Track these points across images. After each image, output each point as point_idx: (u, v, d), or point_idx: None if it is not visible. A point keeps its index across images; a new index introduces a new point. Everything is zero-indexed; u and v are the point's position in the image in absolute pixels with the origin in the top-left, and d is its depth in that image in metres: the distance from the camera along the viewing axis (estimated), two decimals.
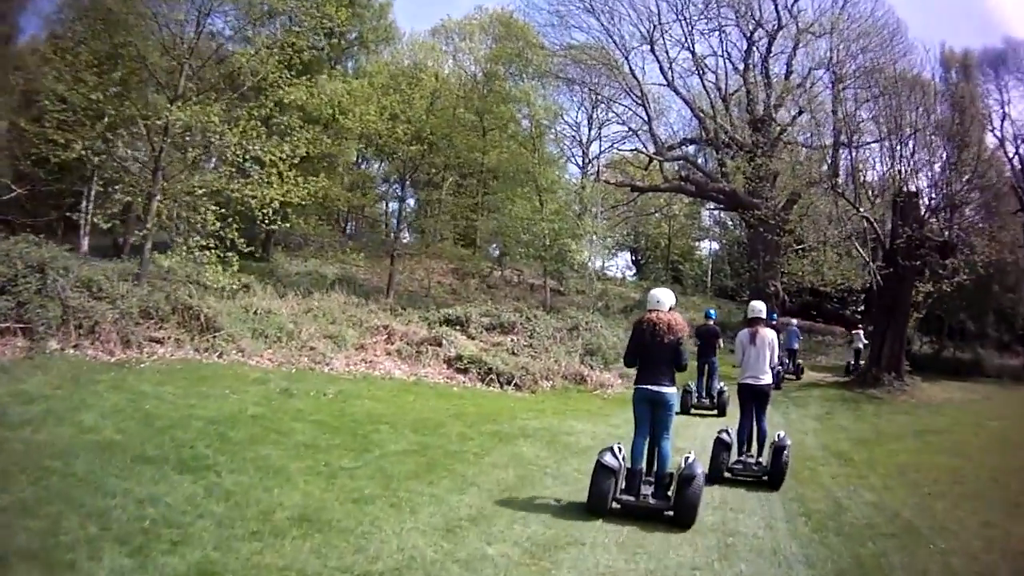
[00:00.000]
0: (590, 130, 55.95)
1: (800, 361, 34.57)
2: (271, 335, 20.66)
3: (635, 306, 42.18)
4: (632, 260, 67.66)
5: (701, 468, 10.51)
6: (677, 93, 45.30)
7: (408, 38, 46.43)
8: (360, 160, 50.24)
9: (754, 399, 13.80)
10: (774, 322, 28.18)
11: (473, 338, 25.63)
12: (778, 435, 13.50)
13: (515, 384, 22.73)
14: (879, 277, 30.17)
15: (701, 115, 45.62)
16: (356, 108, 33.92)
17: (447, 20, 51.14)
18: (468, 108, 42.83)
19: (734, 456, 13.57)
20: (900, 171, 30.79)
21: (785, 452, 13.03)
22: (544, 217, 38.14)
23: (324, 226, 43.39)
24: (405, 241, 49.62)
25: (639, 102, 44.52)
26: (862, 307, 44.05)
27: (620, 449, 10.69)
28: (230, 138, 23.23)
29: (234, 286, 23.03)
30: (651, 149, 46.29)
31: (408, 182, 44.73)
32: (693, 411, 21.72)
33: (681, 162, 47.40)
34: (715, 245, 68.86)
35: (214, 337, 19.19)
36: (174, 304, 19.66)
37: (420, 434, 14.18)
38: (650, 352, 10.75)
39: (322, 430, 13.34)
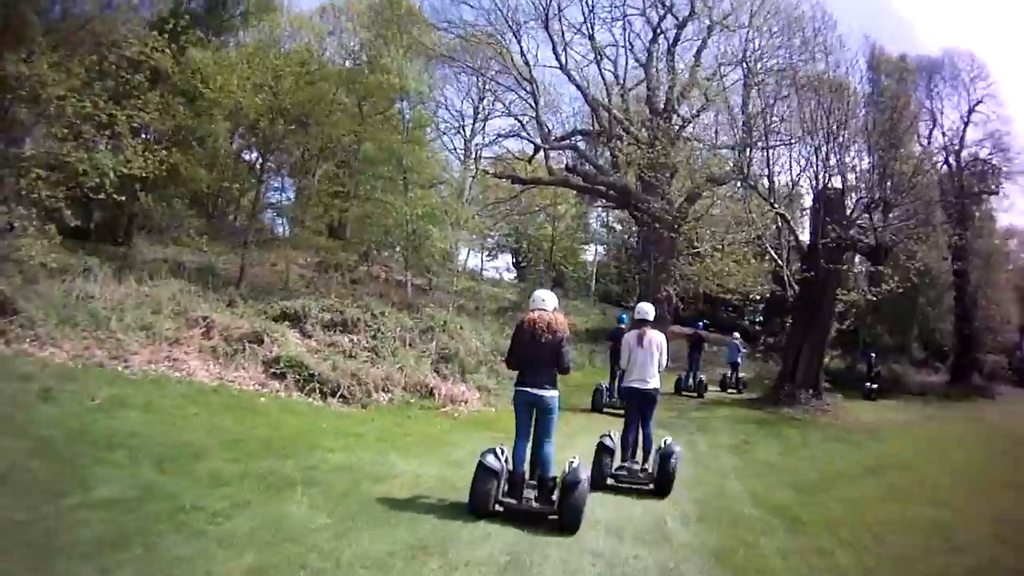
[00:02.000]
0: (475, 122, 51.54)
1: (743, 374, 32.50)
2: (81, 323, 17.27)
3: (511, 308, 39.52)
4: (513, 262, 63.96)
5: (586, 473, 10.37)
6: (570, 78, 40.70)
7: (288, 12, 40.60)
8: (233, 143, 44.33)
9: (640, 403, 13.28)
10: (699, 331, 31.65)
11: (309, 336, 21.27)
12: (664, 440, 13.04)
13: (341, 396, 18.22)
14: (794, 283, 27.22)
15: (595, 104, 41.19)
16: (219, 77, 29.59)
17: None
18: (349, 92, 37.65)
19: (617, 462, 13.11)
20: (825, 167, 27.54)
21: (673, 458, 12.60)
22: (407, 201, 33.30)
23: (187, 210, 38.63)
24: (276, 232, 47.31)
25: (527, 86, 40.21)
26: (760, 317, 44.13)
27: (503, 451, 10.39)
28: (56, 91, 20.39)
29: (52, 263, 19.59)
30: (537, 139, 41.80)
31: (275, 166, 42.22)
32: (605, 410, 21.78)
33: (569, 154, 42.79)
34: (601, 249, 65.47)
35: (9, 321, 16.18)
36: None
37: (162, 469, 10.32)
38: (531, 353, 10.39)
39: (35, 455, 9.95)
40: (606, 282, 60.37)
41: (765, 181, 29.40)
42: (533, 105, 39.88)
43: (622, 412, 17.80)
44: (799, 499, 13.69)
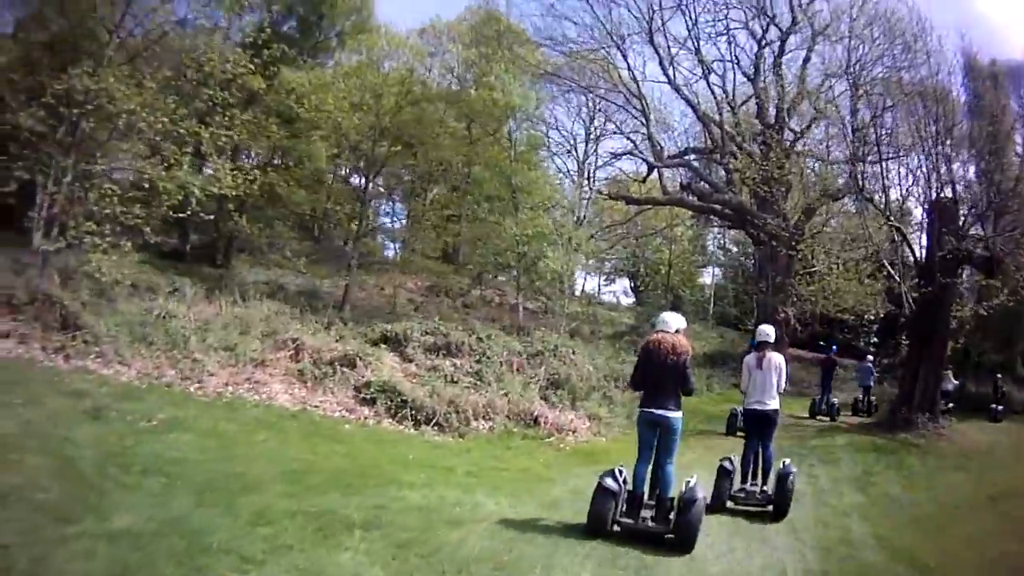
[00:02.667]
0: (587, 143, 50.98)
1: (874, 398, 30.12)
2: (157, 342, 16.81)
3: (627, 332, 38.18)
4: (631, 286, 62.85)
5: (703, 492, 10.31)
6: (679, 93, 39.25)
7: (386, 33, 39.71)
8: (339, 167, 44.48)
9: (759, 425, 13.25)
10: (832, 355, 30.48)
11: (410, 360, 20.27)
12: (784, 462, 12.85)
13: (436, 423, 17.07)
14: (911, 300, 25.37)
15: (706, 120, 39.58)
16: (313, 96, 29.07)
17: (436, 20, 46.17)
18: (455, 114, 37.89)
19: (737, 484, 13.02)
20: (936, 177, 25.81)
21: (790, 479, 12.51)
22: (517, 222, 32.31)
23: (289, 233, 38.55)
24: (388, 255, 47.22)
25: (636, 103, 38.98)
26: (875, 338, 41.30)
27: (621, 472, 10.37)
28: (126, 106, 19.48)
29: (127, 280, 19.27)
30: (650, 158, 40.18)
31: (385, 189, 42.68)
32: (739, 434, 20.45)
33: (683, 173, 42.35)
34: (718, 272, 64.05)
35: (72, 336, 15.84)
36: (34, 293, 16.81)
37: (200, 501, 9.10)
38: (655, 374, 10.42)
39: (55, 475, 9.02)
40: (723, 305, 59.74)
41: (879, 195, 27.80)
42: (644, 122, 38.73)
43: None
44: (921, 537, 12.56)
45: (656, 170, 39.26)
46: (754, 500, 12.75)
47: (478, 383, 19.44)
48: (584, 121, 49.07)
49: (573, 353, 23.84)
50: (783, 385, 13.22)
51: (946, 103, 26.08)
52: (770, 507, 12.53)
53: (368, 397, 17.22)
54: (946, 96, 26.49)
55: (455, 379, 19.23)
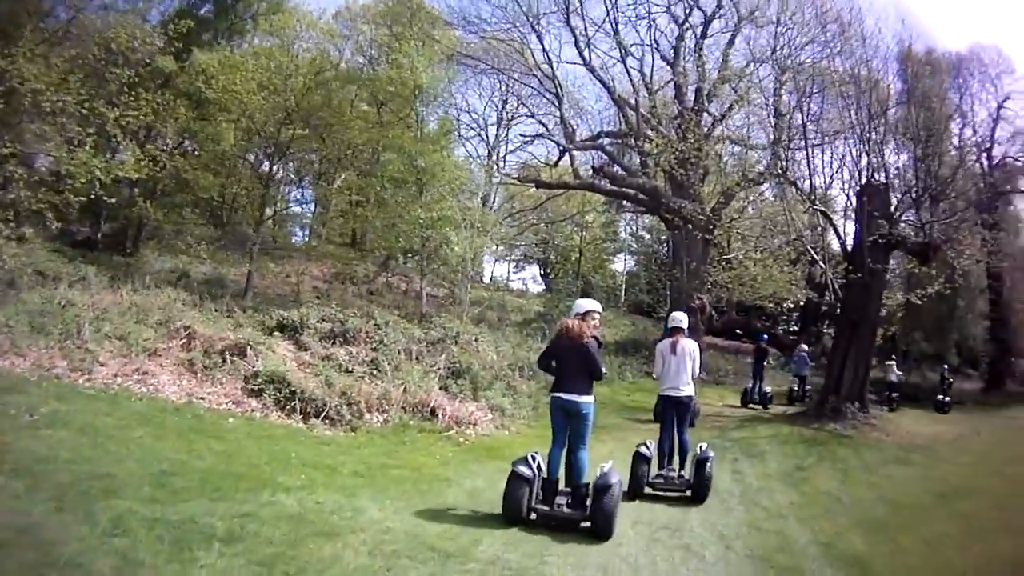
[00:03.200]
0: (499, 128, 52.21)
1: (809, 387, 29.99)
2: (54, 331, 15.83)
3: (535, 319, 36.57)
4: (541, 274, 60.84)
5: (618, 477, 10.31)
6: (594, 74, 37.70)
7: (298, 13, 38.08)
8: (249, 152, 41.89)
9: (675, 410, 13.47)
10: (762, 343, 30.26)
11: (305, 348, 18.73)
12: (700, 446, 13.24)
13: (327, 416, 15.70)
14: (836, 287, 25.78)
15: (621, 102, 38.08)
16: (222, 77, 28.28)
17: (351, 2, 45.30)
18: (366, 97, 37.38)
19: (654, 470, 13.17)
20: (867, 162, 25.45)
21: (708, 464, 12.76)
22: (421, 204, 30.61)
23: (197, 220, 37.25)
24: (297, 242, 46.19)
25: (550, 85, 37.55)
26: (794, 325, 42.46)
27: (535, 457, 10.51)
28: (33, 86, 19.68)
29: (26, 268, 19.10)
30: (562, 141, 38.39)
31: (295, 175, 42.43)
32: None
33: (596, 156, 40.13)
34: (631, 260, 63.33)
35: None
36: None
37: (60, 506, 8.06)
38: (566, 358, 10.63)
39: None
40: (636, 292, 58.35)
41: (803, 180, 27.58)
42: (557, 105, 37.40)
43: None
44: (870, 541, 11.42)
45: (568, 154, 37.85)
46: (673, 485, 12.96)
47: (374, 373, 18.17)
48: (496, 105, 50.21)
49: (476, 341, 22.73)
50: (697, 371, 13.63)
51: (879, 89, 25.94)
52: (688, 492, 12.79)
53: (256, 388, 15.85)
54: (878, 83, 26.19)
55: (350, 368, 17.99)
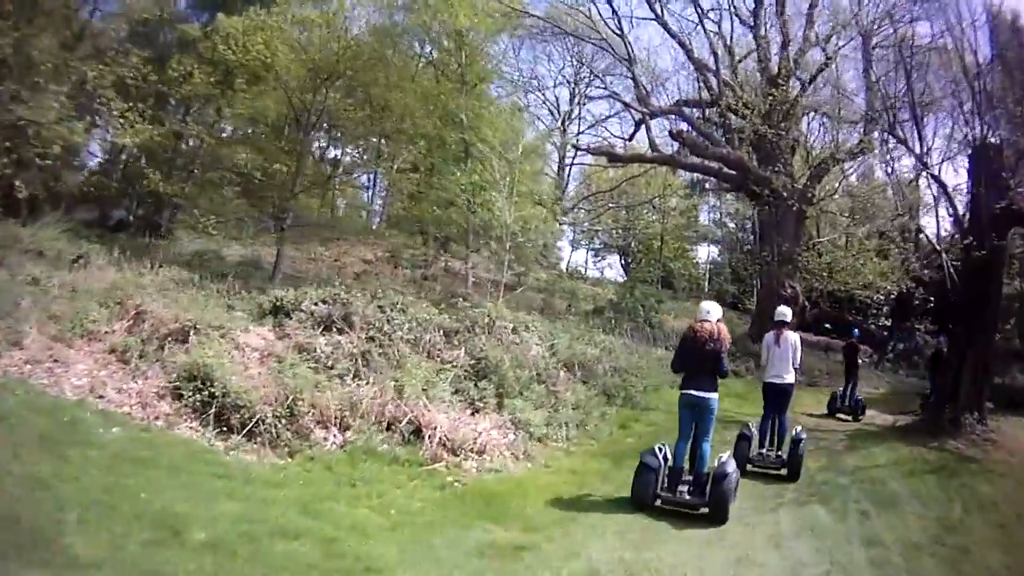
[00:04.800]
0: (571, 106, 48.72)
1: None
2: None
3: (605, 308, 31.66)
4: (621, 263, 57.31)
5: (734, 467, 11.15)
6: (667, 29, 33.52)
7: None
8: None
9: (777, 397, 14.42)
10: (854, 339, 25.66)
11: (286, 336, 14.53)
12: (796, 429, 14.13)
13: (256, 433, 11.13)
14: (953, 271, 21.05)
15: (701, 66, 33.77)
16: (244, 38, 25.08)
17: None
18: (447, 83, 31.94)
19: (755, 449, 14.07)
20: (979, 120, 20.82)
21: (801, 445, 13.69)
22: (465, 168, 26.82)
23: (236, 198, 32.16)
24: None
25: (619, 46, 33.34)
26: (887, 320, 36.92)
27: (662, 449, 11.29)
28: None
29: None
30: (637, 105, 34.46)
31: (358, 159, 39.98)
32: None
33: (674, 123, 35.39)
34: (714, 249, 60.10)
35: None
36: None
37: None
38: (695, 358, 11.32)
39: None
40: (720, 281, 54.26)
41: (914, 142, 22.67)
42: (628, 66, 33.26)
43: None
44: None
45: (645, 126, 33.60)
46: (770, 463, 13.92)
47: (362, 370, 13.73)
48: (568, 80, 46.74)
49: (514, 331, 17.87)
50: (798, 361, 14.54)
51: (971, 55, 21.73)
52: (784, 470, 13.73)
53: (177, 388, 11.72)
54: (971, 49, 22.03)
55: (330, 364, 13.68)
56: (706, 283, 54.43)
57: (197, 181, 28.63)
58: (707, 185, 45.31)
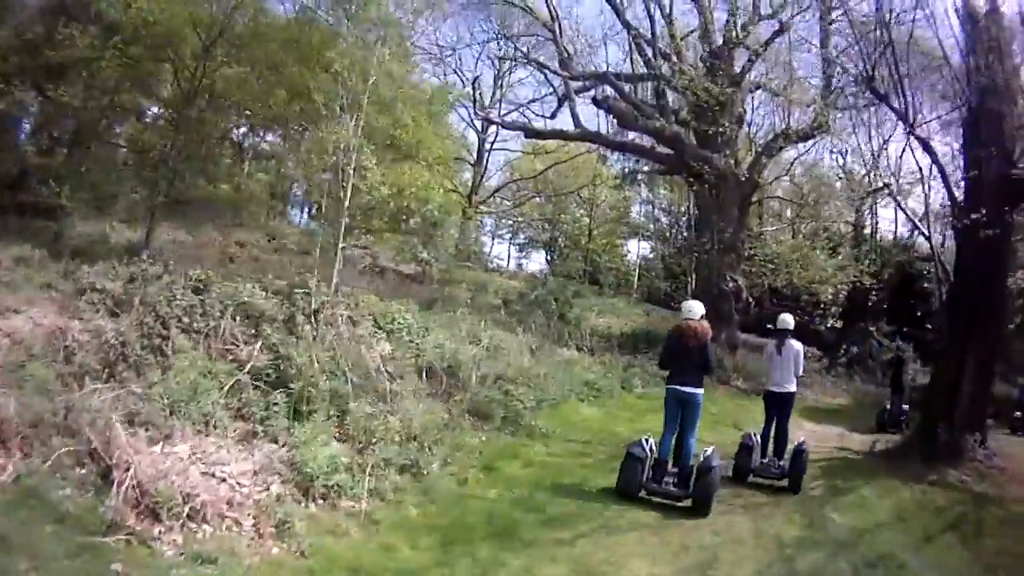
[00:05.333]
0: (495, 90, 44.38)
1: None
2: None
3: (514, 300, 26.76)
4: (546, 258, 54.08)
5: (718, 461, 11.40)
6: None
7: None
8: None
9: (779, 405, 13.92)
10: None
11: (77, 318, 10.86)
12: (798, 439, 13.69)
13: None
14: (943, 263, 18.63)
15: (634, 33, 29.39)
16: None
17: None
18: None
19: (757, 459, 13.52)
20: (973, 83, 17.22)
21: (804, 455, 13.16)
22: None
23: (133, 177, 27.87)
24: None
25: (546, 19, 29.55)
26: (838, 322, 35.39)
27: (648, 441, 11.52)
28: None
29: None
30: (558, 82, 31.38)
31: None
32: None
33: (599, 93, 30.00)
34: (646, 245, 55.69)
35: None
36: None
37: None
38: (682, 355, 11.69)
39: None
40: (651, 278, 50.12)
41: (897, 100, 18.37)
42: (548, 28, 29.32)
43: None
44: None
45: (569, 103, 29.61)
46: (771, 473, 13.19)
47: (119, 367, 9.88)
48: (491, 59, 41.70)
49: (352, 322, 13.73)
50: (800, 370, 13.85)
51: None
52: (785, 480, 12.96)
53: None
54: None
55: (78, 359, 9.70)
56: (636, 279, 51.16)
57: (77, 156, 24.56)
58: (638, 175, 42.41)
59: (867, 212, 31.78)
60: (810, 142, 29.12)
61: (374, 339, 14.12)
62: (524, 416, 15.07)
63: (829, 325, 34.23)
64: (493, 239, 54.59)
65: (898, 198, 20.72)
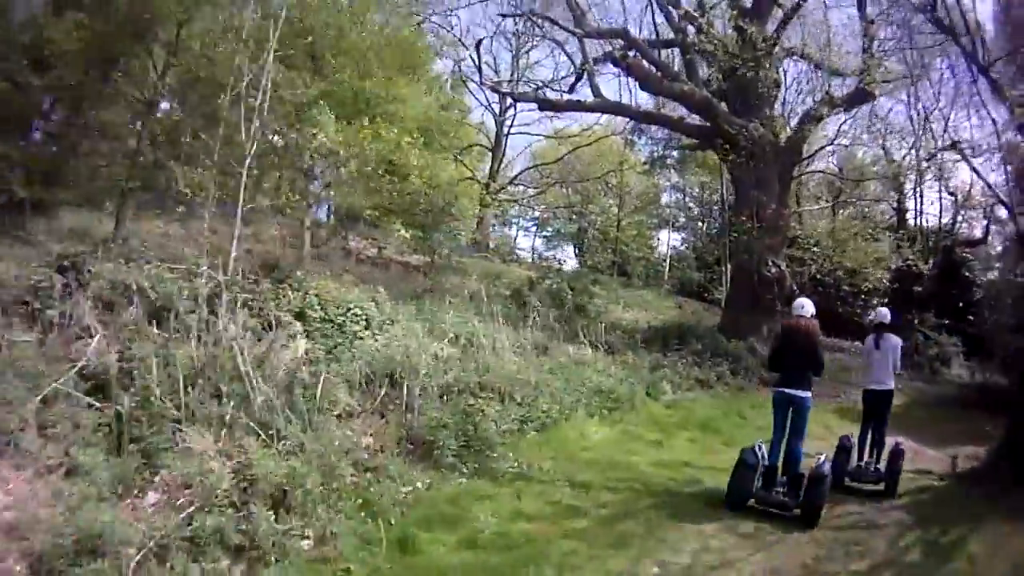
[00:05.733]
0: (514, 71, 42.16)
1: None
2: None
3: (522, 290, 22.86)
4: (575, 251, 50.71)
5: (829, 469, 10.73)
6: None
7: None
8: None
9: (878, 405, 12.79)
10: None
11: None
12: (896, 441, 12.81)
13: None
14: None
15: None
16: None
17: None
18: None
19: (854, 461, 12.63)
20: None
21: (901, 456, 12.32)
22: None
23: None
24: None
25: None
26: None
27: (760, 447, 10.88)
28: None
29: None
30: (578, 58, 27.81)
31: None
32: None
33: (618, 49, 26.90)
34: (676, 237, 53.03)
35: None
36: None
37: None
38: (795, 357, 10.85)
39: None
40: (682, 268, 47.08)
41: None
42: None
43: None
44: None
45: (588, 75, 26.43)
46: (868, 477, 12.34)
47: None
48: (510, 43, 41.18)
49: (254, 312, 11.00)
50: (899, 366, 12.77)
51: None
52: (882, 485, 12.10)
53: None
54: None
55: None
56: (666, 270, 48.34)
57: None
58: (668, 159, 39.42)
59: (912, 193, 30.09)
60: (855, 110, 25.38)
61: (292, 337, 10.97)
62: (493, 446, 10.96)
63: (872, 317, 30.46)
64: (516, 231, 52.93)
65: (970, 158, 17.72)
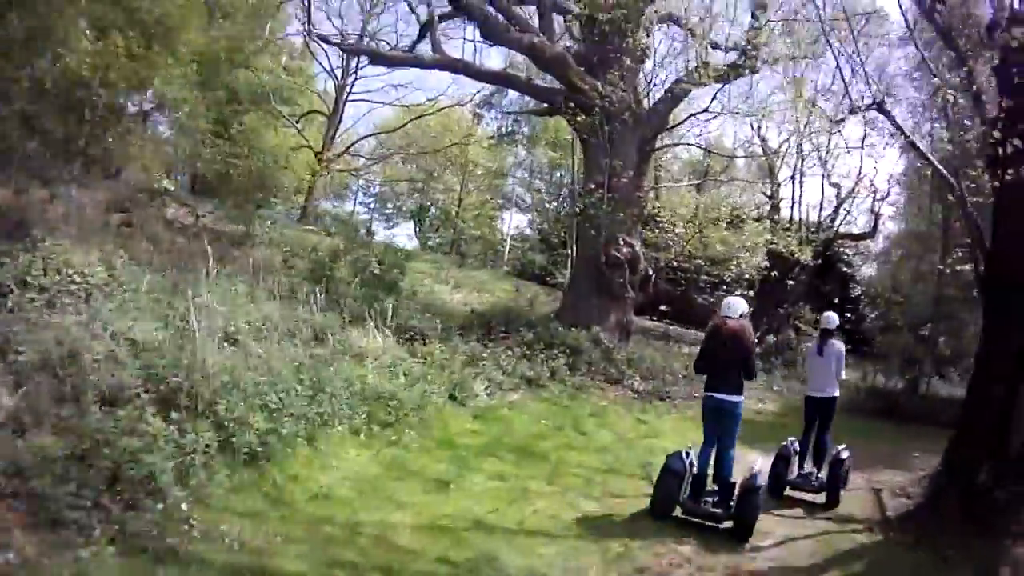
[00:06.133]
0: (363, 30, 40.15)
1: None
2: None
3: (323, 261, 19.63)
4: (415, 230, 52.22)
5: (763, 481, 10.25)
6: None
7: None
8: None
9: (820, 412, 12.56)
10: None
11: None
12: (838, 447, 12.25)
13: None
14: (979, 223, 12.27)
15: None
16: None
17: None
18: None
19: (795, 471, 12.29)
20: None
21: (844, 465, 11.90)
22: None
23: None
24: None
25: None
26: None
27: (688, 454, 10.32)
28: None
29: None
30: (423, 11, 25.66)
31: None
32: None
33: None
34: (522, 219, 53.50)
35: None
36: None
37: None
38: (724, 359, 10.39)
39: None
40: (523, 249, 47.04)
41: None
42: None
43: None
44: None
45: (430, 30, 23.57)
46: (809, 486, 11.96)
47: None
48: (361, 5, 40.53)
49: None
50: (842, 373, 12.46)
51: None
52: (823, 494, 11.79)
53: None
54: None
55: None
56: (506, 251, 48.34)
57: None
58: (516, 135, 40.45)
59: (790, 181, 28.79)
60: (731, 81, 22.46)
61: None
62: (159, 494, 6.58)
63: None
64: (354, 205, 51.47)
65: (897, 121, 15.00)
